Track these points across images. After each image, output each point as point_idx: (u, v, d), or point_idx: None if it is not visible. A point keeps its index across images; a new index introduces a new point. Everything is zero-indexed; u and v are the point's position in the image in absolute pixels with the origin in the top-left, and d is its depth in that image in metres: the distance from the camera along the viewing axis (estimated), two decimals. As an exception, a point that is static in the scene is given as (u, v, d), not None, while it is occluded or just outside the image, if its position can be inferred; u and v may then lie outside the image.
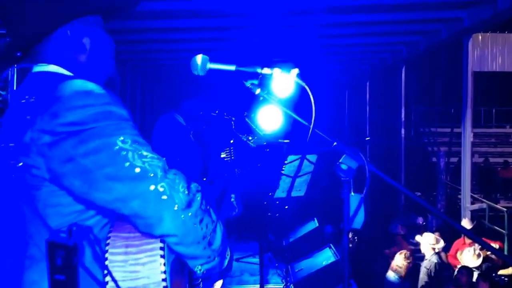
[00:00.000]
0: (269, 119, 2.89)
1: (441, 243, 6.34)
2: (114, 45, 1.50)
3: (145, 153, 1.23)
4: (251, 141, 3.43)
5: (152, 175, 1.21)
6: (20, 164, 1.24)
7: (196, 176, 3.13)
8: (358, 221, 1.33)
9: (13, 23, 1.38)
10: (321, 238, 4.42)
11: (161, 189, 1.21)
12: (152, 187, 1.20)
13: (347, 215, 1.30)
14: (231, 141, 3.16)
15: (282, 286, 3.65)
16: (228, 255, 1.45)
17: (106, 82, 1.47)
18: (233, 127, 3.44)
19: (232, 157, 2.75)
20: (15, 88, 5.73)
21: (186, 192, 1.25)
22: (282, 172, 3.38)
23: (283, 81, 1.57)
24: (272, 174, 3.46)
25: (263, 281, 3.31)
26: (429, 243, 6.24)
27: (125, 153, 1.21)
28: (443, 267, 6.36)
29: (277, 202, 3.92)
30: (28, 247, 1.28)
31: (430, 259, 6.20)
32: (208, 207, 1.33)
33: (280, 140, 4.15)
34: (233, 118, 3.24)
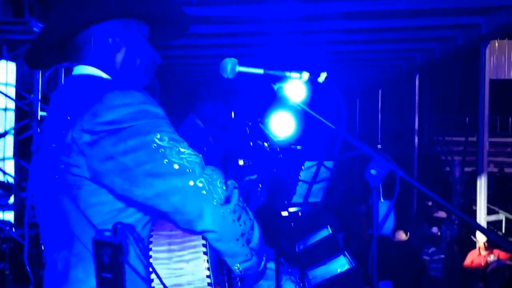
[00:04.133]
0: (282, 125, 2.87)
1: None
2: (158, 61, 1.53)
3: (182, 150, 1.26)
4: (266, 146, 3.41)
5: (190, 170, 1.23)
6: (62, 165, 1.28)
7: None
8: (388, 227, 1.30)
9: (54, 11, 1.44)
10: (334, 245, 4.40)
11: (200, 185, 1.23)
12: (191, 183, 1.22)
13: (376, 221, 1.27)
14: (250, 144, 3.15)
15: (296, 293, 3.63)
16: (264, 257, 1.43)
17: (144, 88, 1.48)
18: (249, 132, 3.44)
19: (250, 163, 2.73)
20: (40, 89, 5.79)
21: (224, 187, 1.27)
22: (299, 178, 3.36)
23: (307, 86, 1.55)
24: (289, 179, 3.45)
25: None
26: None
27: (163, 150, 1.23)
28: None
29: (291, 212, 3.90)
30: (74, 245, 1.31)
31: None
32: (245, 205, 1.34)
33: (292, 146, 4.14)
34: (250, 123, 3.23)
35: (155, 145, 1.23)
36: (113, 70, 1.44)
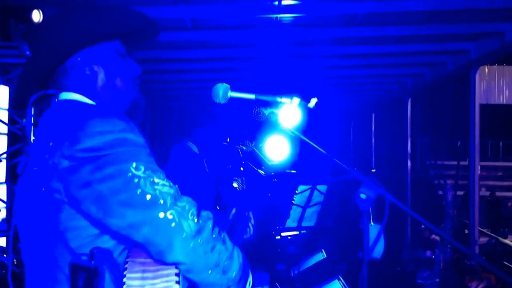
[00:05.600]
0: (277, 149, 2.90)
1: None
2: (138, 72, 1.55)
3: (156, 180, 1.27)
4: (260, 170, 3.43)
5: (162, 202, 1.25)
6: (43, 188, 1.30)
7: (210, 204, 3.14)
8: (378, 250, 1.32)
9: (31, 53, 1.47)
10: (329, 269, 4.38)
11: (170, 217, 1.24)
12: (161, 215, 1.24)
13: (367, 245, 1.29)
14: (241, 169, 3.18)
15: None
16: (249, 284, 1.43)
17: (131, 106, 1.52)
18: (243, 156, 3.46)
19: (244, 187, 2.76)
20: (32, 114, 5.79)
21: (196, 219, 1.28)
22: (293, 202, 3.37)
23: (300, 110, 1.58)
24: (283, 203, 3.46)
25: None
26: None
27: (137, 180, 1.25)
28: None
29: (282, 236, 3.90)
30: (52, 267, 1.32)
31: None
32: (222, 235, 1.34)
33: (287, 170, 4.17)
34: (244, 147, 3.26)
35: (130, 174, 1.25)
36: (96, 95, 1.47)
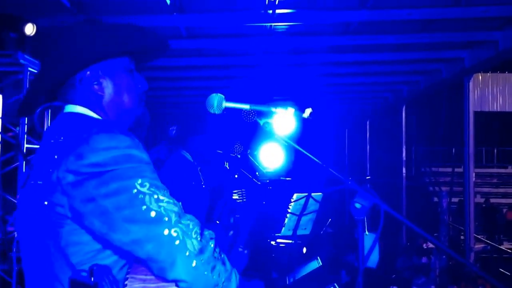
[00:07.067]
0: (272, 157, 2.90)
1: None
2: (145, 87, 1.57)
3: (161, 197, 1.28)
4: (255, 178, 3.43)
5: (166, 219, 1.25)
6: (46, 202, 1.29)
7: (204, 213, 3.13)
8: (373, 260, 1.32)
9: (41, 64, 1.47)
10: (324, 277, 4.38)
11: (174, 234, 1.25)
12: (166, 232, 1.24)
13: (362, 253, 1.29)
14: (236, 176, 3.17)
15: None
16: None
17: (135, 123, 1.54)
18: (237, 164, 3.45)
19: (244, 199, 2.74)
20: (26, 122, 5.77)
21: (199, 238, 1.28)
22: (288, 210, 3.37)
23: (295, 120, 1.58)
24: (278, 211, 3.46)
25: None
26: None
27: (142, 196, 1.25)
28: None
29: (276, 243, 3.89)
30: (52, 282, 1.32)
31: None
32: (222, 256, 1.35)
33: (282, 178, 4.17)
34: (238, 156, 3.26)
35: (135, 190, 1.25)
36: (102, 109, 1.47)
